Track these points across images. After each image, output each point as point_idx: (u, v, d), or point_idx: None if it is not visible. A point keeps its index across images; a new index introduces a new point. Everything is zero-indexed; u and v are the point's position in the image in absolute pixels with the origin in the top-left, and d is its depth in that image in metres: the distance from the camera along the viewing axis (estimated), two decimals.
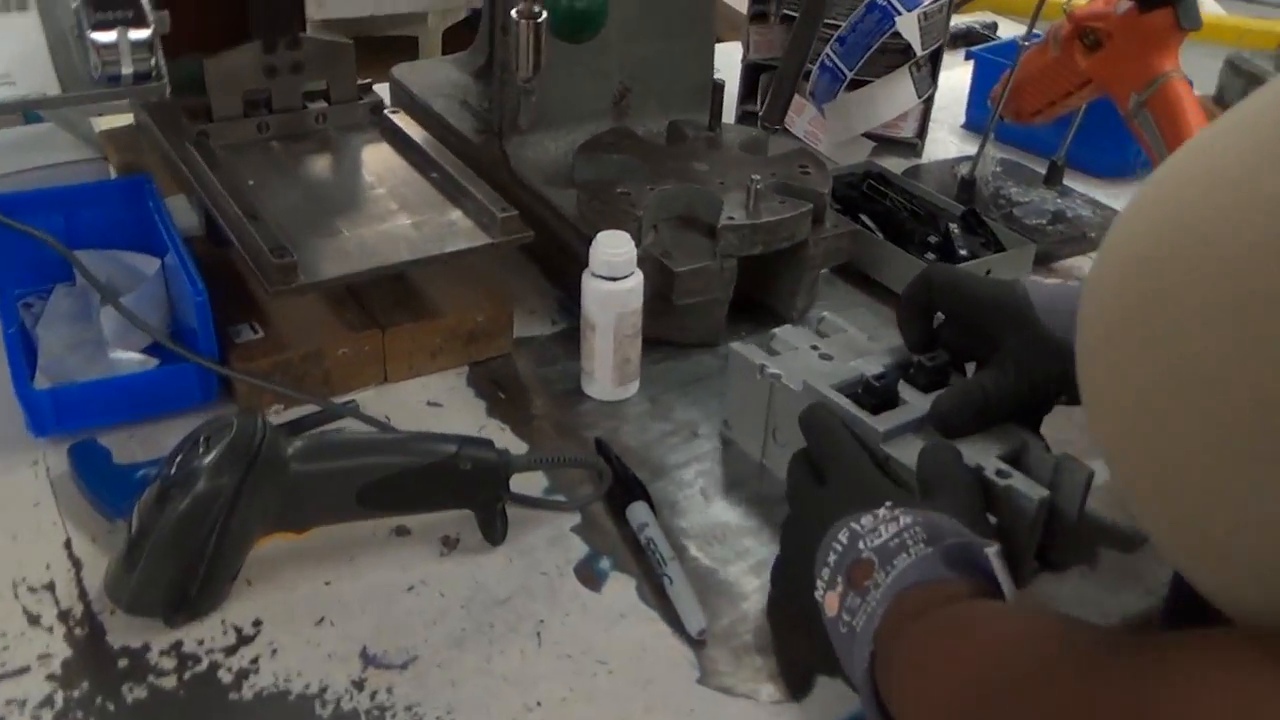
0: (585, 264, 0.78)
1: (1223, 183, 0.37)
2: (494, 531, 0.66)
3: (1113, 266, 0.42)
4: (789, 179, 0.89)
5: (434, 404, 0.80)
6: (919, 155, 1.23)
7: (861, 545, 0.55)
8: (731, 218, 0.83)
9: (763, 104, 1.23)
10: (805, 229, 0.86)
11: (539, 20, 0.70)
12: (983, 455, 0.64)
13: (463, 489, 0.65)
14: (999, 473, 0.62)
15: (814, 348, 0.74)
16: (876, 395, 0.68)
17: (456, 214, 0.82)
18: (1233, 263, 0.35)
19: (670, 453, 0.76)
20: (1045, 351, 0.66)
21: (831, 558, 0.56)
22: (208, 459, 0.59)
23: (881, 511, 0.56)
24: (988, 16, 1.65)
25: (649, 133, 0.99)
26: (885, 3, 1.10)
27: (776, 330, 0.76)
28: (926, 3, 1.11)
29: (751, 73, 1.24)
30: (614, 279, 0.77)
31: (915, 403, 0.67)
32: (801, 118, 1.20)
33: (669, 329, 0.86)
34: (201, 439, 0.60)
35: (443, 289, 0.83)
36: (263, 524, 0.61)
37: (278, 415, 0.76)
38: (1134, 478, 0.40)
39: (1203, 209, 0.37)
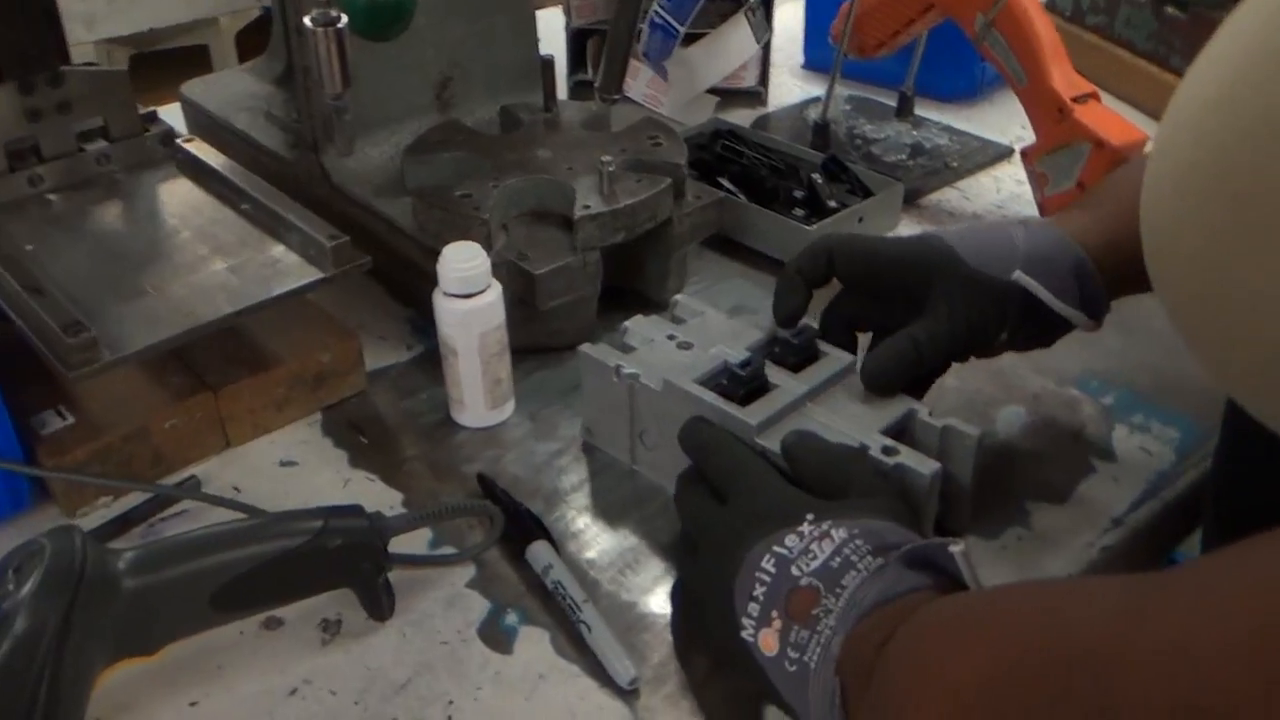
0: (434, 280, 0.70)
1: None
2: (379, 607, 0.58)
3: (1190, 115, 0.38)
4: (641, 154, 0.82)
5: (288, 463, 0.71)
6: (764, 104, 1.18)
7: (795, 570, 0.49)
8: (587, 206, 0.76)
9: (595, 72, 1.16)
10: (667, 206, 0.80)
11: (339, 26, 0.61)
12: (866, 432, 0.59)
13: (336, 568, 0.56)
14: (886, 450, 0.58)
15: (670, 337, 0.68)
16: (744, 384, 0.62)
17: (279, 249, 0.73)
18: None
19: (562, 475, 0.69)
20: (979, 292, 0.63)
21: (758, 591, 0.49)
22: (22, 593, 0.49)
23: (806, 528, 0.50)
24: None
25: (480, 122, 0.91)
26: None
27: (628, 323, 0.70)
28: None
29: (577, 40, 1.17)
30: (470, 295, 0.69)
31: (786, 386, 0.62)
32: (638, 81, 1.14)
33: (537, 336, 0.79)
34: (10, 571, 0.50)
35: (278, 332, 0.74)
36: (102, 655, 0.52)
37: (106, 509, 0.66)
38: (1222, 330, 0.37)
39: None
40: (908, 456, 0.58)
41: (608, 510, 0.66)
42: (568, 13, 1.15)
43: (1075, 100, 0.87)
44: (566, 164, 0.81)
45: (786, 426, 0.60)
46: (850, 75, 1.20)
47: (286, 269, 0.71)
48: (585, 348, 0.68)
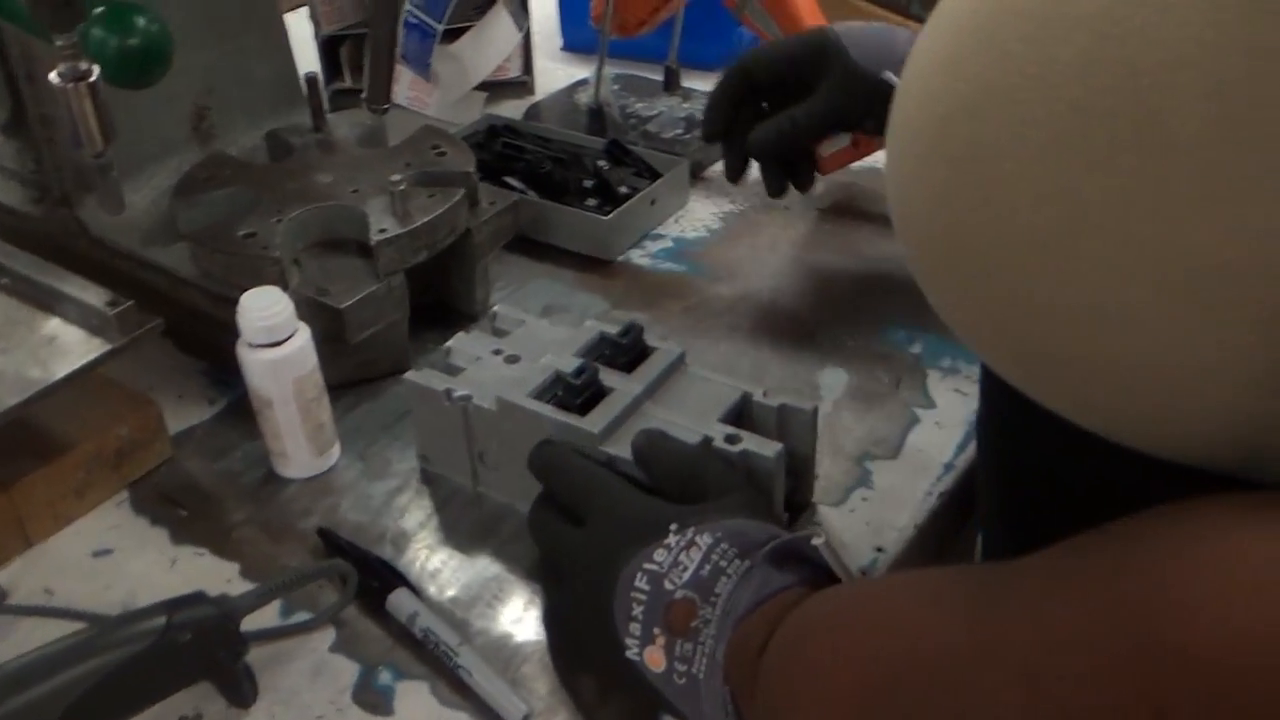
0: (227, 328, 0.66)
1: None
2: (241, 694, 0.55)
3: (918, 76, 0.39)
4: (427, 166, 0.80)
5: (102, 552, 0.65)
6: (533, 92, 1.17)
7: (668, 585, 0.49)
8: (384, 230, 0.73)
9: (353, 79, 1.12)
10: (465, 218, 0.78)
11: (91, 80, 0.55)
12: (706, 423, 0.60)
13: (190, 664, 0.53)
14: (729, 438, 0.59)
15: (496, 352, 0.67)
16: (579, 392, 0.62)
17: (54, 323, 0.66)
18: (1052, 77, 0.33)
19: (406, 513, 0.67)
20: (856, 83, 0.78)
21: (636, 610, 0.49)
22: None
23: (672, 540, 0.50)
24: None
25: (246, 151, 0.86)
26: None
27: (450, 343, 0.69)
28: None
29: (329, 47, 1.12)
30: (277, 343, 0.65)
31: (622, 388, 0.62)
32: (400, 85, 1.10)
33: (350, 370, 0.76)
34: None
35: (65, 412, 0.68)
36: None
37: None
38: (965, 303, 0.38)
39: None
40: (750, 441, 0.59)
41: (461, 542, 0.65)
42: (315, 20, 1.09)
43: None
44: (351, 186, 0.78)
45: (629, 430, 0.60)
46: (613, 54, 1.20)
47: (67, 345, 0.65)
48: (411, 375, 0.66)
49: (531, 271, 0.88)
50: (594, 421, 0.60)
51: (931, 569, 0.42)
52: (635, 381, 0.62)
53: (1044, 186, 0.32)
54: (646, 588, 0.50)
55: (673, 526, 0.51)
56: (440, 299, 0.82)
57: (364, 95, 0.88)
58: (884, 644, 0.40)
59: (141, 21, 0.56)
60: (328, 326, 0.71)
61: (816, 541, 0.47)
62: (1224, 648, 0.28)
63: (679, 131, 1.06)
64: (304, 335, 0.66)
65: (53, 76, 0.55)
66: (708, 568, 0.49)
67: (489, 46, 1.07)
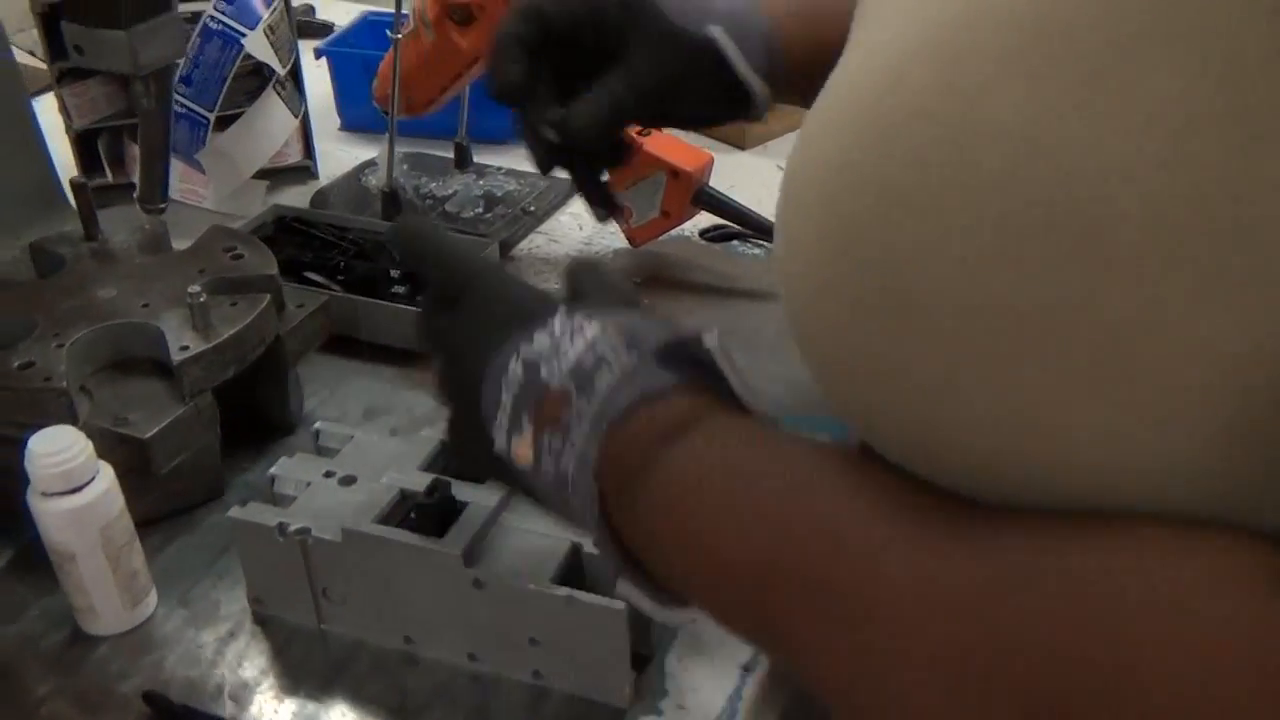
0: (8, 471, 0.58)
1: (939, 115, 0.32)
2: None
3: (813, 178, 0.36)
4: (223, 271, 0.74)
5: None
6: (316, 176, 1.11)
7: (545, 373, 0.45)
8: (185, 347, 0.66)
9: (114, 173, 1.03)
10: (274, 325, 0.72)
11: None
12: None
13: None
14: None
15: (328, 474, 0.62)
16: (434, 513, 0.58)
17: None
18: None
19: (243, 662, 0.60)
20: (676, 45, 0.65)
21: (505, 397, 0.46)
22: None
23: (557, 323, 0.46)
24: None
25: (7, 267, 0.77)
26: (221, 27, 0.95)
27: (274, 470, 0.63)
28: (266, 15, 0.97)
29: (86, 141, 1.03)
30: (76, 489, 0.58)
31: (477, 500, 0.59)
32: (172, 178, 1.02)
33: (159, 504, 0.69)
34: None
35: None
36: None
37: None
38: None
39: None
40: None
41: (312, 689, 0.59)
42: (65, 114, 1.00)
43: (640, 133, 0.90)
44: (140, 300, 0.71)
45: (492, 547, 0.57)
46: (399, 133, 1.16)
47: None
48: (236, 512, 0.60)
49: (344, 371, 0.83)
50: (455, 542, 0.56)
51: (853, 462, 0.38)
52: (490, 492, 0.59)
53: (971, 299, 0.31)
54: (520, 375, 0.45)
55: (561, 308, 0.47)
56: (251, 412, 0.76)
57: (136, 195, 0.82)
58: (794, 530, 0.37)
59: None
60: (131, 459, 0.64)
61: (708, 340, 0.43)
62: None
63: (479, 210, 1.03)
64: (106, 476, 0.59)
65: None
66: (590, 357, 0.44)
67: (259, 138, 1.01)
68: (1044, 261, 0.29)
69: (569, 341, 0.45)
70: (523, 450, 0.45)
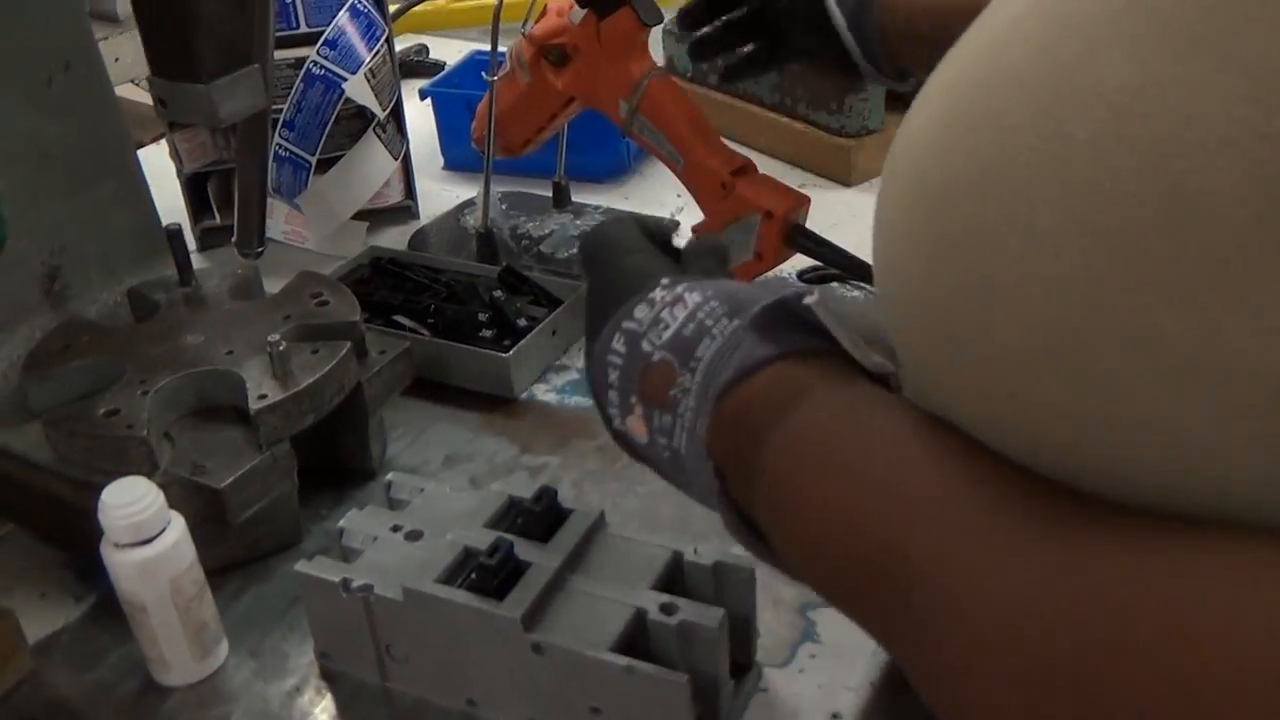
0: (88, 514, 0.59)
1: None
2: None
3: (907, 157, 0.35)
4: (308, 318, 0.74)
5: None
6: (416, 216, 1.11)
7: (646, 346, 0.44)
8: (264, 395, 0.66)
9: (222, 215, 1.05)
10: (353, 373, 0.72)
11: None
12: (636, 592, 0.55)
13: None
14: (664, 608, 0.54)
15: (396, 528, 0.61)
16: (495, 573, 0.56)
17: None
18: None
19: (307, 719, 0.60)
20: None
21: (613, 376, 0.45)
22: None
23: (658, 294, 0.44)
24: (410, 40, 1.56)
25: (105, 310, 0.79)
26: (324, 71, 0.97)
27: (343, 523, 0.62)
28: (369, 59, 0.98)
29: (196, 185, 1.05)
30: (147, 540, 0.58)
31: (540, 562, 0.56)
32: (274, 219, 1.04)
33: (234, 552, 0.69)
34: None
35: None
36: None
37: None
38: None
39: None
40: (687, 610, 0.54)
41: None
42: (176, 159, 1.03)
43: (735, 174, 0.87)
44: (225, 347, 0.71)
45: (553, 612, 0.55)
46: (499, 171, 1.16)
47: None
48: (303, 566, 0.59)
49: (430, 416, 0.82)
50: (514, 606, 0.54)
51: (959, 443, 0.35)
52: (554, 553, 0.57)
53: (1057, 272, 0.29)
54: (622, 349, 0.44)
55: (663, 280, 0.45)
56: (332, 458, 0.76)
57: (234, 239, 0.83)
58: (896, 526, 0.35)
59: None
60: (207, 508, 0.65)
61: (810, 300, 0.41)
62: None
63: (573, 251, 1.01)
64: (177, 528, 0.59)
65: None
66: (691, 327, 0.43)
67: (357, 181, 1.02)
68: (1135, 231, 0.27)
69: (669, 312, 0.44)
70: (638, 427, 0.44)
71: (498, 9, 0.91)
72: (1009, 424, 0.33)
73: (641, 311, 0.45)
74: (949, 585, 0.32)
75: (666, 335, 0.43)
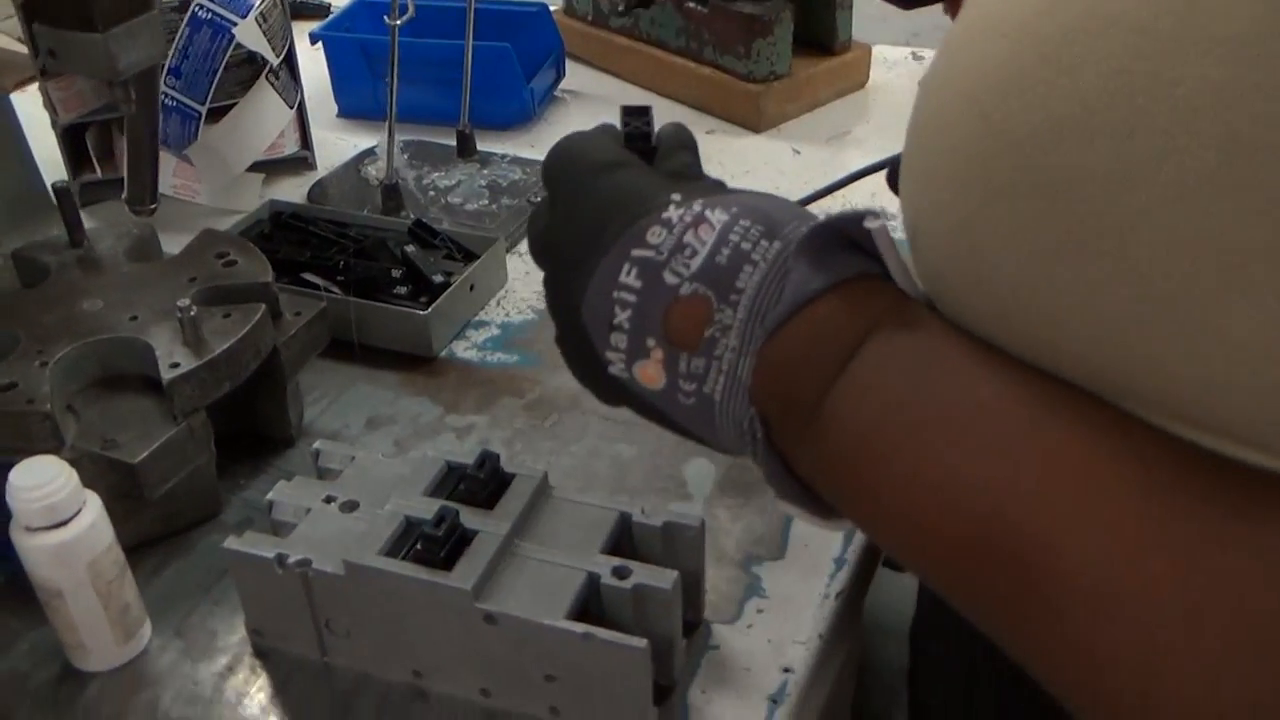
0: None
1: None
2: None
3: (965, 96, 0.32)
4: (215, 279, 0.70)
5: None
6: (314, 167, 1.07)
7: (670, 276, 0.37)
8: (176, 364, 0.63)
9: (103, 169, 0.99)
10: (270, 336, 0.68)
11: None
12: (588, 556, 0.54)
13: None
14: (617, 571, 0.53)
15: (328, 499, 0.59)
16: (443, 544, 0.54)
17: None
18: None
19: (243, 700, 0.57)
20: None
21: (621, 314, 0.38)
22: None
23: (674, 213, 0.38)
24: None
25: None
26: (211, 16, 0.91)
27: (271, 496, 0.60)
28: (258, 3, 0.93)
29: (73, 136, 0.98)
30: (61, 524, 0.54)
31: (486, 529, 0.55)
32: (164, 173, 0.98)
33: (151, 526, 0.65)
34: None
35: None
36: None
37: None
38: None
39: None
40: (641, 572, 0.53)
41: None
42: (51, 109, 0.96)
43: None
44: (128, 313, 0.67)
45: (503, 579, 0.54)
46: (398, 120, 1.12)
47: None
48: (233, 542, 0.57)
49: (346, 377, 0.79)
50: (464, 575, 0.52)
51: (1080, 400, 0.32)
52: (500, 519, 0.55)
53: (1180, 234, 0.27)
54: (637, 283, 0.38)
55: (674, 196, 0.39)
56: (247, 425, 0.72)
57: (124, 197, 0.78)
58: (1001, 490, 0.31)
59: None
60: (121, 484, 0.61)
61: (872, 224, 0.35)
62: None
63: (484, 202, 0.99)
64: (93, 508, 0.56)
65: None
66: (726, 252, 0.37)
67: (252, 130, 0.97)
68: (1270, 194, 0.26)
69: (693, 235, 0.38)
70: (650, 374, 0.39)
71: None
72: (1117, 379, 0.30)
73: (656, 235, 0.38)
74: (1104, 582, 0.29)
75: (696, 263, 0.37)
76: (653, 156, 0.45)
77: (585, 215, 0.41)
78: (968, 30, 0.34)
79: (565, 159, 0.44)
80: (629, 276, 0.38)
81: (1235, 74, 0.26)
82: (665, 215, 0.38)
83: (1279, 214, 0.26)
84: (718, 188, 0.42)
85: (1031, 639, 0.31)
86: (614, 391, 0.42)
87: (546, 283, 0.45)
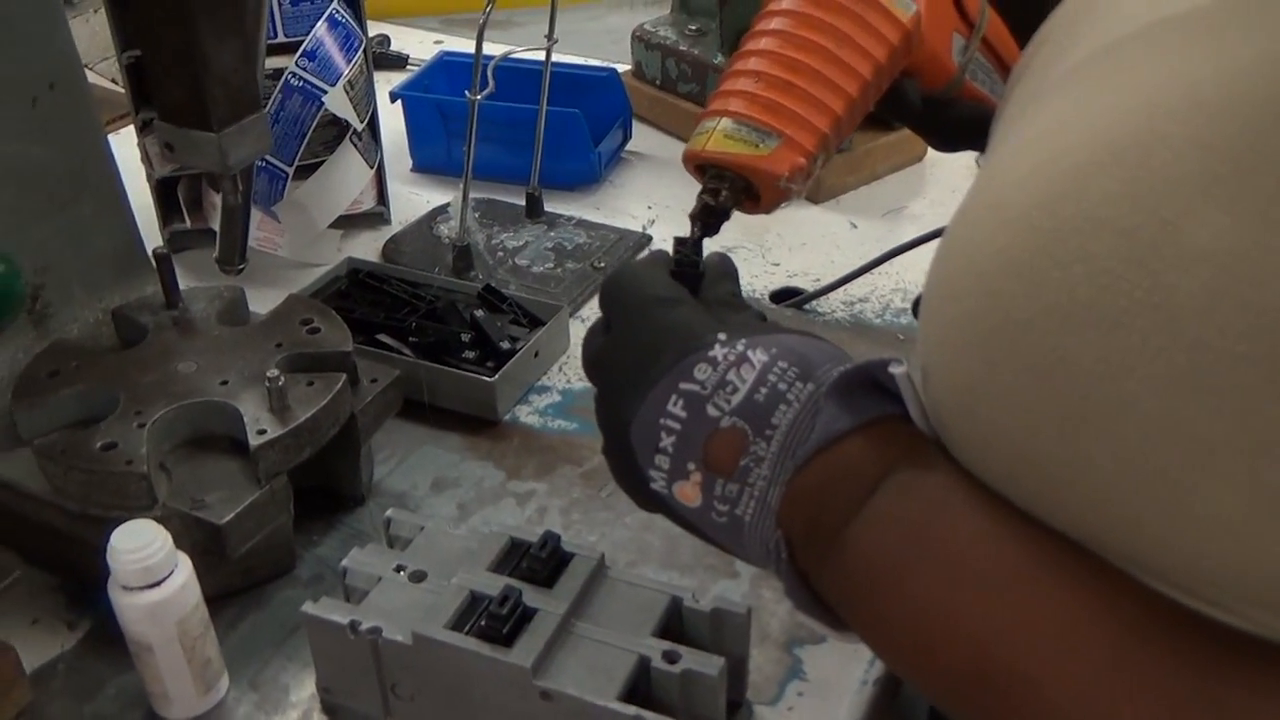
0: (86, 544, 0.60)
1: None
2: None
3: (974, 276, 0.35)
4: (300, 347, 0.74)
5: None
6: (388, 222, 1.11)
7: (713, 410, 0.41)
8: (263, 431, 0.67)
9: (193, 219, 1.04)
10: (348, 405, 0.72)
11: None
12: (639, 638, 0.57)
13: None
14: (667, 655, 0.56)
15: (399, 569, 0.62)
16: (506, 621, 0.57)
17: None
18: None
19: None
20: None
21: (666, 440, 0.42)
22: None
23: (719, 352, 0.42)
24: (373, 28, 1.54)
25: (89, 331, 0.78)
26: (302, 83, 0.96)
27: (346, 563, 0.63)
28: (347, 71, 0.98)
29: (166, 187, 1.04)
30: (155, 584, 0.58)
31: (546, 608, 0.58)
32: (250, 225, 1.03)
33: (230, 580, 0.69)
34: None
35: None
36: None
37: None
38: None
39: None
40: (690, 659, 0.56)
41: None
42: (147, 163, 1.01)
43: None
44: (219, 377, 0.71)
45: (560, 659, 0.57)
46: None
47: None
48: (309, 608, 0.60)
49: (414, 438, 0.83)
50: (524, 653, 0.56)
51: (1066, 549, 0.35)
52: (559, 599, 0.59)
53: (1159, 419, 0.30)
54: (682, 413, 0.42)
55: (720, 336, 0.43)
56: (321, 483, 0.76)
57: (215, 256, 0.83)
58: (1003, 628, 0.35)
59: None
60: (205, 541, 0.65)
61: (895, 369, 0.39)
62: None
63: (549, 265, 1.02)
64: (184, 569, 0.60)
65: None
66: (764, 391, 0.41)
67: (335, 190, 1.01)
68: (1243, 392, 0.28)
69: (735, 374, 0.42)
70: (688, 493, 0.43)
71: (481, 28, 0.91)
72: (1096, 540, 0.34)
73: (703, 372, 0.42)
74: (1068, 707, 0.32)
75: (736, 399, 0.41)
76: (699, 280, 0.50)
77: (638, 345, 0.45)
78: (978, 208, 0.37)
79: (622, 289, 0.48)
80: (676, 407, 0.43)
81: (1207, 286, 0.29)
82: (711, 354, 0.43)
83: (1243, 413, 0.29)
84: (759, 323, 0.46)
85: None
86: (653, 502, 0.46)
87: (598, 399, 0.48)
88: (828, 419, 0.40)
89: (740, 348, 0.42)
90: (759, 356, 0.42)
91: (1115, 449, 0.31)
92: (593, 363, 0.49)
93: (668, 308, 0.46)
